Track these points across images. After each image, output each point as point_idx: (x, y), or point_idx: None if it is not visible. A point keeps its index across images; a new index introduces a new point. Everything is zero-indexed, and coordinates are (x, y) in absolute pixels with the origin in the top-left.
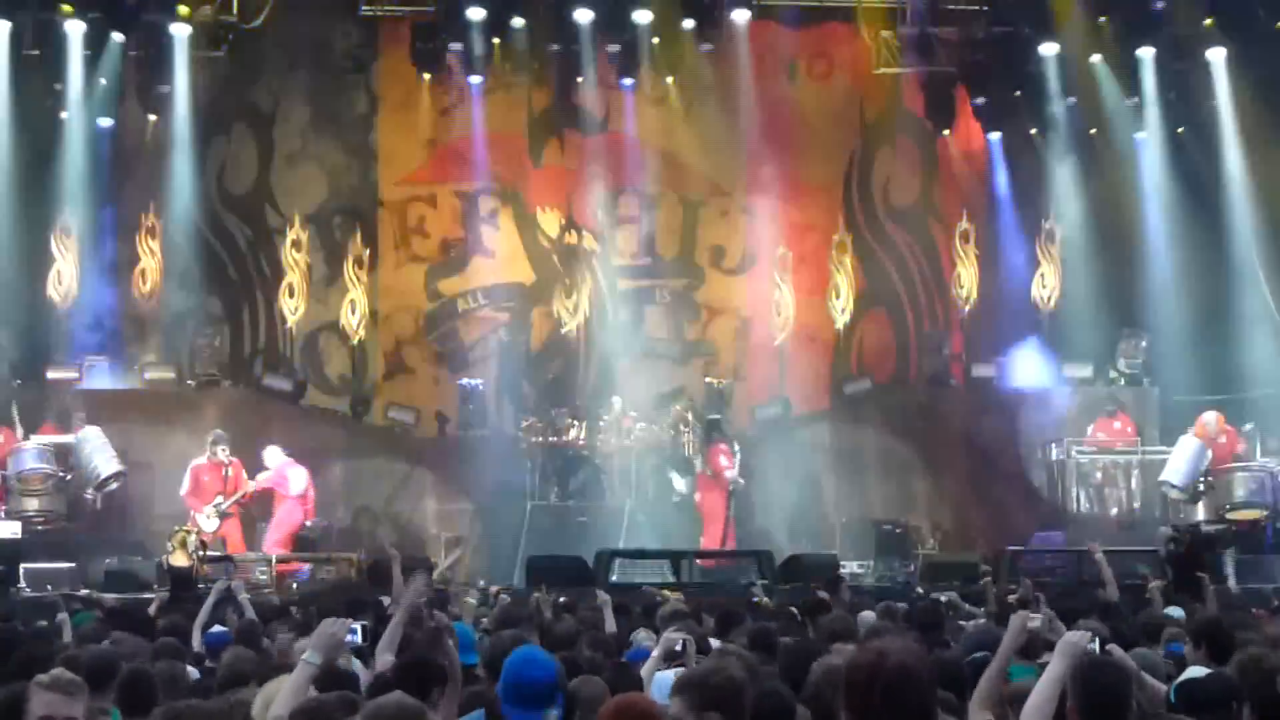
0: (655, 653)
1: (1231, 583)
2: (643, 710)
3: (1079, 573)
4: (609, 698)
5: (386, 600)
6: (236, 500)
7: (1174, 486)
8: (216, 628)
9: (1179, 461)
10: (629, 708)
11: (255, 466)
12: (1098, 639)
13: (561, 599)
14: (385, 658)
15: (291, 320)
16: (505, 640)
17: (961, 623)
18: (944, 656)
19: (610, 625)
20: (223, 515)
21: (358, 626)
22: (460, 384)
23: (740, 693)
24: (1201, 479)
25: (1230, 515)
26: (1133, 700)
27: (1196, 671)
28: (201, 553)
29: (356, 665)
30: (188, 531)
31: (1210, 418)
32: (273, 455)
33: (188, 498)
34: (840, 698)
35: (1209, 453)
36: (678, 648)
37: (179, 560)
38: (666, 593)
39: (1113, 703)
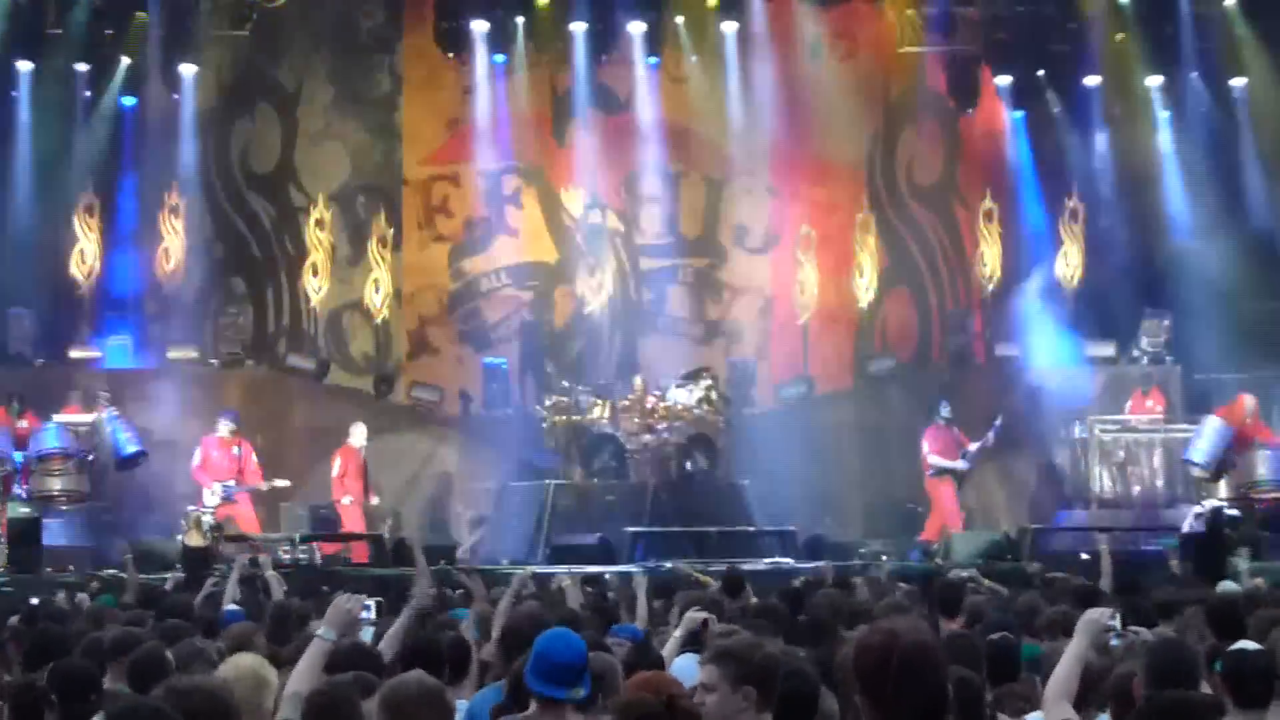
0: (677, 633)
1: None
2: (667, 688)
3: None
4: (624, 676)
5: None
6: (247, 491)
7: (1196, 465)
8: (233, 606)
9: (1202, 440)
10: (654, 685)
11: (273, 447)
12: (1118, 616)
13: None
14: (388, 653)
15: (315, 299)
16: (521, 616)
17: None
18: (960, 634)
19: (643, 608)
20: (227, 498)
21: (371, 603)
22: (484, 363)
23: (776, 672)
24: (1224, 457)
25: (1253, 494)
26: (1201, 678)
27: (1246, 645)
28: (217, 533)
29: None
30: (203, 512)
31: (1250, 402)
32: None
33: (196, 472)
34: (854, 681)
35: (1232, 431)
36: (697, 628)
37: (194, 540)
38: (705, 578)
39: (1184, 682)
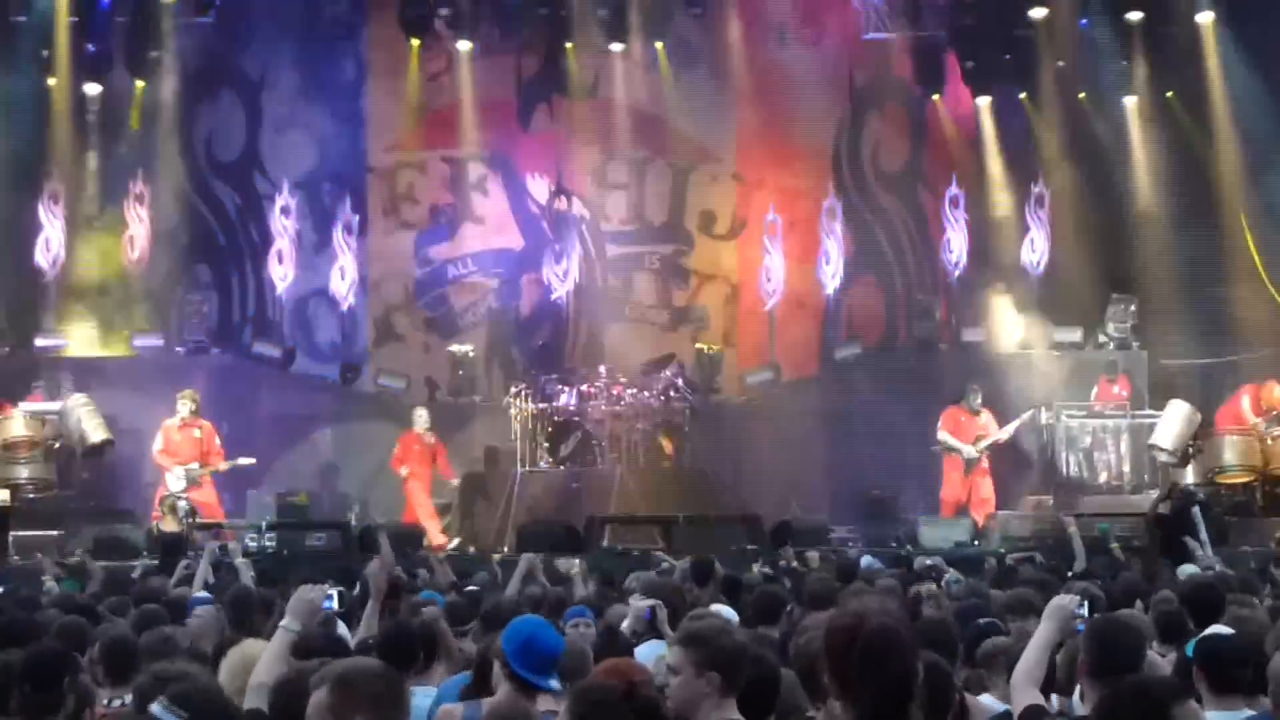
0: (625, 623)
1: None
2: (633, 674)
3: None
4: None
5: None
6: (212, 472)
7: (1163, 450)
8: (202, 593)
9: (1168, 425)
10: (621, 671)
11: (239, 434)
12: (1086, 602)
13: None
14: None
15: (281, 287)
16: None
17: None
18: (930, 618)
19: (580, 590)
20: (191, 480)
21: (334, 593)
22: (450, 350)
23: (742, 658)
24: (1191, 443)
25: (1219, 479)
26: (1144, 656)
27: (1219, 629)
28: (192, 519)
29: (343, 630)
30: (177, 498)
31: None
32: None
33: (158, 456)
34: (822, 661)
35: (1199, 416)
36: (646, 615)
37: (169, 526)
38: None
39: (1125, 659)
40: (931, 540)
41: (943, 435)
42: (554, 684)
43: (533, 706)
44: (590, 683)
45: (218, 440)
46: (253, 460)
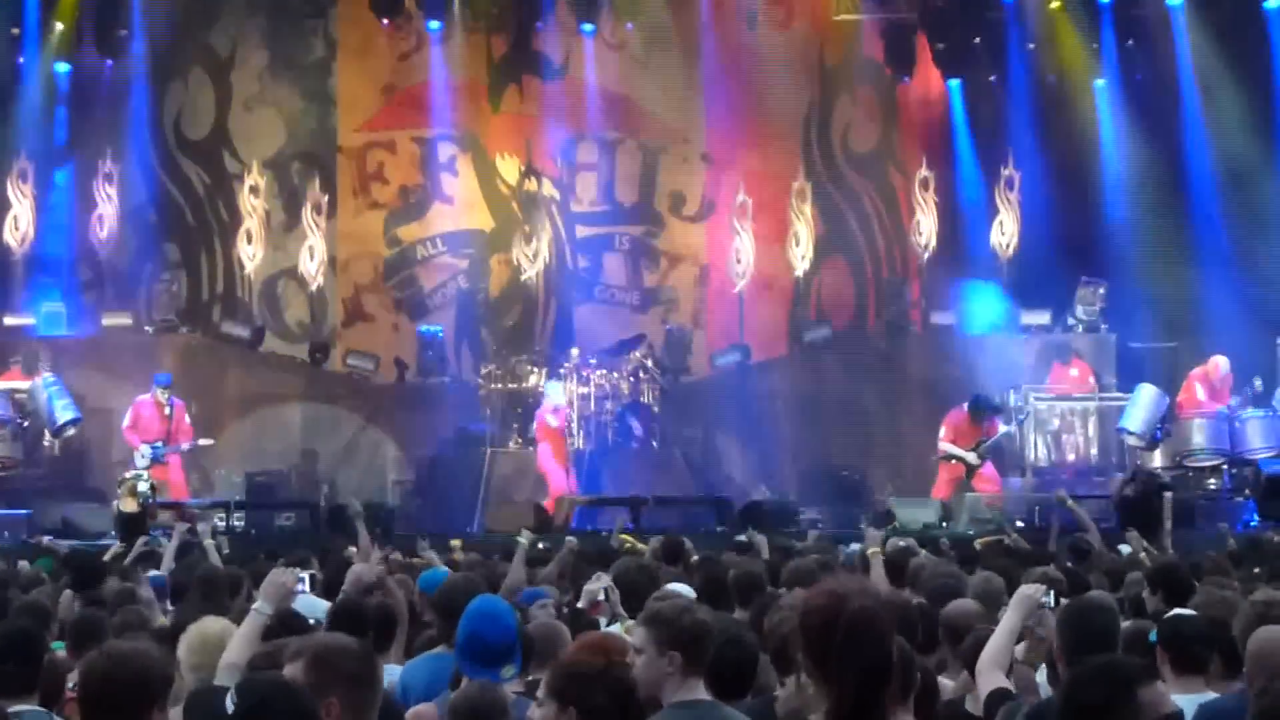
0: (580, 604)
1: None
2: (612, 650)
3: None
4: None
5: (351, 550)
6: (175, 451)
7: (1132, 433)
8: (154, 573)
9: (1137, 408)
10: (601, 647)
11: (208, 414)
12: (1052, 591)
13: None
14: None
15: (250, 267)
16: (457, 583)
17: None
18: (898, 599)
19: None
20: (156, 459)
21: (306, 576)
22: (419, 331)
23: (706, 637)
24: (1160, 426)
25: (1189, 463)
26: (1118, 636)
27: (1184, 611)
28: (153, 498)
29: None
30: (138, 477)
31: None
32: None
33: (127, 432)
34: (795, 638)
35: (1167, 399)
36: (600, 598)
37: (128, 506)
38: (636, 543)
39: (1099, 640)
40: (901, 522)
41: (945, 446)
42: (506, 673)
43: (501, 691)
44: (570, 658)
45: (187, 419)
46: (211, 441)
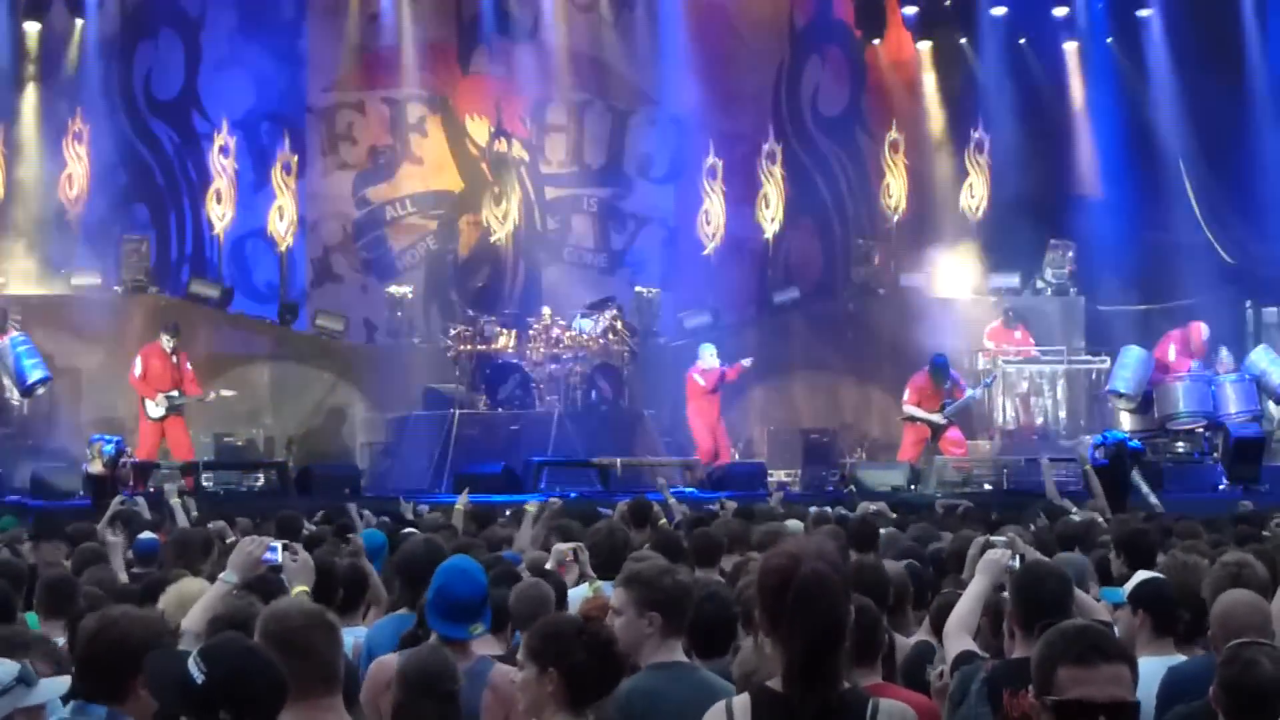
0: (549, 564)
1: (1153, 499)
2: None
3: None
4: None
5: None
6: (195, 400)
7: (1123, 394)
8: (146, 535)
9: (1126, 369)
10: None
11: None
12: (1018, 556)
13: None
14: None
15: (219, 227)
16: (418, 546)
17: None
18: (867, 562)
19: (526, 537)
20: (172, 408)
21: (277, 545)
22: (388, 292)
23: (685, 599)
24: (1150, 386)
25: (1172, 426)
26: (1071, 603)
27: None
28: (121, 461)
29: None
30: (105, 440)
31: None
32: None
33: (137, 382)
34: (753, 596)
35: (1154, 360)
36: (569, 558)
37: (95, 468)
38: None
39: (1051, 606)
40: (869, 485)
41: (908, 408)
42: (475, 629)
43: (454, 653)
44: (549, 616)
45: (189, 368)
46: (234, 392)
